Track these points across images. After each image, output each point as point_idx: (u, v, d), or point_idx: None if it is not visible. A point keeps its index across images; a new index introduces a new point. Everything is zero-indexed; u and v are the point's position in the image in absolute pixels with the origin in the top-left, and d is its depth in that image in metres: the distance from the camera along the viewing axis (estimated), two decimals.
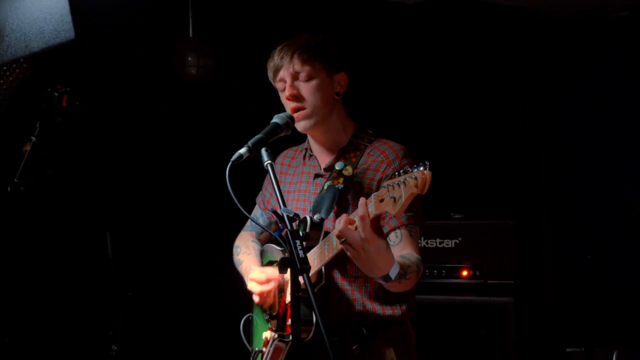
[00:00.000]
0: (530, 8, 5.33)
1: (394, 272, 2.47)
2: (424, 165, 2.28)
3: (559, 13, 5.45)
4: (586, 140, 5.36)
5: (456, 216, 4.78)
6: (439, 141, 5.36)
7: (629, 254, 5.02)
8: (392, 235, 2.70)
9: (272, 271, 2.84)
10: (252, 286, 2.84)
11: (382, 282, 2.52)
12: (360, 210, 2.40)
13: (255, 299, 2.86)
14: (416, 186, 2.25)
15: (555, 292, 5.20)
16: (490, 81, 5.41)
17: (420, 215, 2.76)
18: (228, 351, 3.53)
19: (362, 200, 2.42)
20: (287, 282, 2.71)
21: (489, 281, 4.53)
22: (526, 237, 5.02)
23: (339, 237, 2.45)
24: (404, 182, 2.30)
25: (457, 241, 4.64)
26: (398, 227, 2.70)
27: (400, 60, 5.41)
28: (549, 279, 5.24)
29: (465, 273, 4.59)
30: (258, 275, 2.83)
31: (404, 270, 2.53)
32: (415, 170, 2.28)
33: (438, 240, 4.67)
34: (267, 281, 2.81)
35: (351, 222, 2.43)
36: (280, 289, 2.85)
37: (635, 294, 4.91)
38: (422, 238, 4.56)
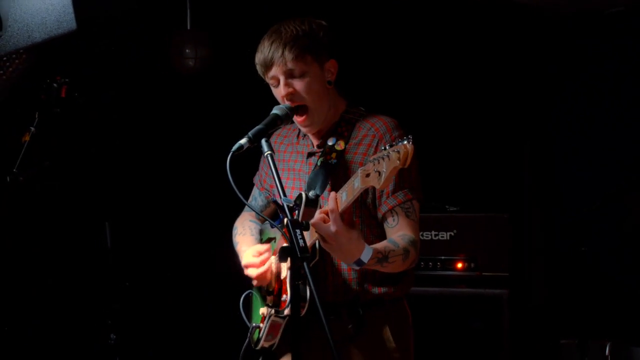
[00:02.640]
0: (522, 3, 5.36)
1: (366, 256, 2.55)
2: (407, 139, 2.32)
3: (551, 8, 5.48)
4: (580, 133, 5.40)
5: (451, 209, 4.79)
6: (435, 134, 5.39)
7: (622, 246, 5.07)
8: (389, 219, 2.76)
9: (262, 248, 2.88)
10: (249, 272, 2.88)
11: (356, 267, 2.59)
12: (330, 204, 2.49)
13: (255, 282, 2.91)
14: (398, 159, 2.30)
15: (549, 284, 5.25)
16: (484, 76, 5.44)
17: (418, 188, 2.81)
18: (225, 339, 3.57)
19: (332, 194, 2.51)
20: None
21: (483, 273, 4.56)
22: (521, 230, 5.06)
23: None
24: (387, 155, 2.35)
25: (452, 234, 4.66)
26: (394, 207, 2.75)
27: (396, 53, 5.43)
28: (542, 271, 5.29)
29: (460, 265, 4.63)
30: (251, 259, 2.86)
31: (383, 254, 2.61)
32: (399, 143, 2.32)
33: (433, 232, 4.69)
34: (262, 263, 2.85)
35: (326, 218, 2.50)
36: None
37: (628, 287, 4.96)
38: None
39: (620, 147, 5.24)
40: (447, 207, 4.82)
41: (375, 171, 2.39)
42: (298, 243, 2.36)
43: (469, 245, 4.63)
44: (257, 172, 3.19)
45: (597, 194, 4.69)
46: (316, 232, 2.53)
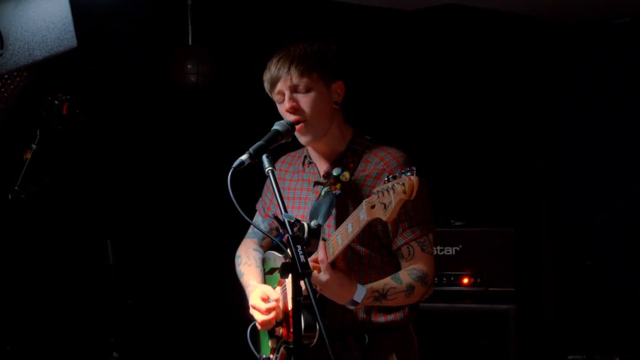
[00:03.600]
0: (529, 14, 5.39)
1: (359, 296, 2.63)
2: (411, 171, 2.38)
3: (559, 19, 5.51)
4: (586, 145, 5.42)
5: (457, 223, 4.81)
6: (440, 148, 5.42)
7: (630, 260, 5.07)
8: (404, 251, 2.79)
9: (272, 294, 2.89)
10: (254, 315, 2.89)
11: (351, 307, 2.66)
12: (320, 254, 2.59)
13: (259, 326, 2.92)
14: (404, 192, 2.36)
15: (556, 299, 5.25)
16: (490, 88, 5.47)
17: (432, 221, 2.86)
18: (233, 358, 3.58)
19: (321, 243, 2.60)
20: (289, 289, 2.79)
21: (490, 288, 4.57)
22: (527, 244, 5.08)
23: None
24: (392, 188, 2.40)
25: (458, 248, 4.68)
26: (411, 241, 2.79)
27: (400, 68, 5.46)
28: (549, 286, 5.30)
29: (466, 280, 4.64)
30: (258, 303, 2.88)
31: (380, 293, 2.67)
32: (403, 175, 2.39)
33: (439, 247, 4.72)
34: (268, 311, 2.86)
35: (316, 266, 2.59)
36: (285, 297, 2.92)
37: (636, 301, 4.96)
38: None
39: (628, 159, 5.26)
40: (452, 221, 4.84)
41: (381, 203, 2.44)
42: (299, 259, 2.38)
43: (474, 260, 4.64)
44: (260, 199, 3.20)
45: (604, 206, 4.71)
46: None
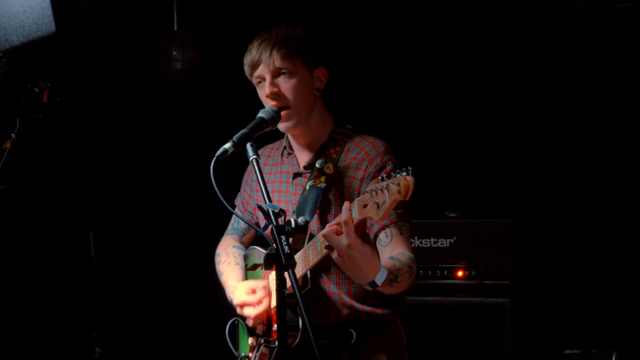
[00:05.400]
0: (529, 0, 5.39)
1: (380, 279, 2.55)
2: (407, 171, 2.36)
3: (558, 5, 5.50)
4: (586, 134, 5.42)
5: (451, 215, 4.80)
6: (434, 138, 5.41)
7: (629, 254, 5.08)
8: (382, 235, 2.77)
9: (257, 285, 2.88)
10: (246, 312, 2.87)
11: (369, 288, 2.59)
12: (343, 215, 2.48)
13: (250, 322, 2.91)
14: (399, 192, 2.34)
15: (553, 292, 5.26)
16: (487, 77, 5.46)
17: (409, 212, 2.83)
18: (214, 354, 3.59)
19: (346, 204, 2.50)
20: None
21: (485, 282, 4.57)
22: (523, 236, 5.07)
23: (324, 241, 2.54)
24: (386, 187, 2.37)
25: (452, 240, 4.67)
26: (387, 226, 2.76)
27: (394, 56, 5.46)
28: (546, 279, 5.30)
29: (460, 273, 4.64)
30: (246, 298, 2.86)
31: (394, 274, 2.60)
32: (398, 175, 2.36)
33: (432, 239, 4.71)
34: (259, 302, 2.85)
35: (339, 230, 2.50)
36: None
37: (634, 295, 4.98)
38: (416, 237, 4.64)
39: (629, 150, 5.26)
40: (446, 212, 4.84)
41: (374, 202, 2.41)
42: (283, 249, 2.36)
43: (469, 253, 4.63)
44: (239, 194, 3.19)
45: (604, 197, 4.72)
46: (327, 244, 2.53)
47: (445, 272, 4.66)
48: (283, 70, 2.80)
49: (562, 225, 5.31)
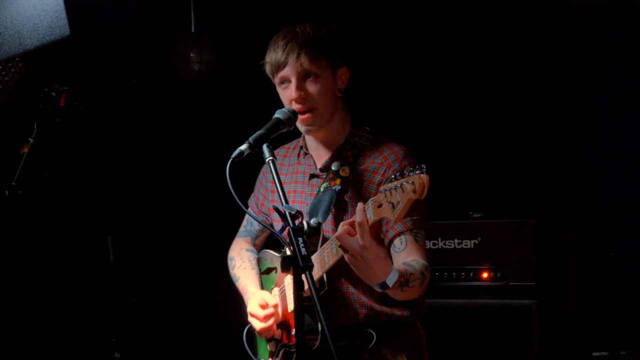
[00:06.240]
0: None
1: (391, 280, 2.53)
2: (420, 169, 2.33)
3: (578, 1, 5.46)
4: (611, 131, 5.37)
5: (475, 215, 4.76)
6: (457, 138, 5.39)
7: None
8: (396, 242, 2.75)
9: (270, 300, 2.87)
10: (252, 323, 2.89)
11: (379, 289, 2.57)
12: (358, 216, 2.46)
13: (257, 334, 2.93)
14: (414, 191, 2.31)
15: (580, 293, 5.21)
16: (509, 75, 5.43)
17: (425, 218, 2.81)
18: (233, 358, 3.59)
19: (359, 205, 2.48)
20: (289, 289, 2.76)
21: (510, 283, 4.54)
22: (549, 236, 5.03)
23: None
24: (401, 187, 2.34)
25: (477, 241, 4.64)
26: (403, 232, 2.74)
27: (412, 55, 5.44)
28: (572, 280, 5.26)
29: (485, 275, 4.61)
30: (256, 310, 2.86)
31: (405, 278, 2.59)
32: (412, 174, 2.33)
33: (456, 240, 4.67)
34: (266, 318, 2.85)
35: (352, 231, 2.49)
36: (284, 297, 2.90)
37: None
38: (440, 239, 4.61)
39: None
40: (470, 213, 4.80)
41: (389, 202, 2.39)
42: (300, 251, 2.34)
43: (494, 254, 4.59)
44: (252, 195, 3.18)
45: (632, 196, 4.66)
46: (341, 245, 2.51)
47: (470, 273, 4.63)
48: (310, 73, 2.78)
49: (587, 225, 5.26)
